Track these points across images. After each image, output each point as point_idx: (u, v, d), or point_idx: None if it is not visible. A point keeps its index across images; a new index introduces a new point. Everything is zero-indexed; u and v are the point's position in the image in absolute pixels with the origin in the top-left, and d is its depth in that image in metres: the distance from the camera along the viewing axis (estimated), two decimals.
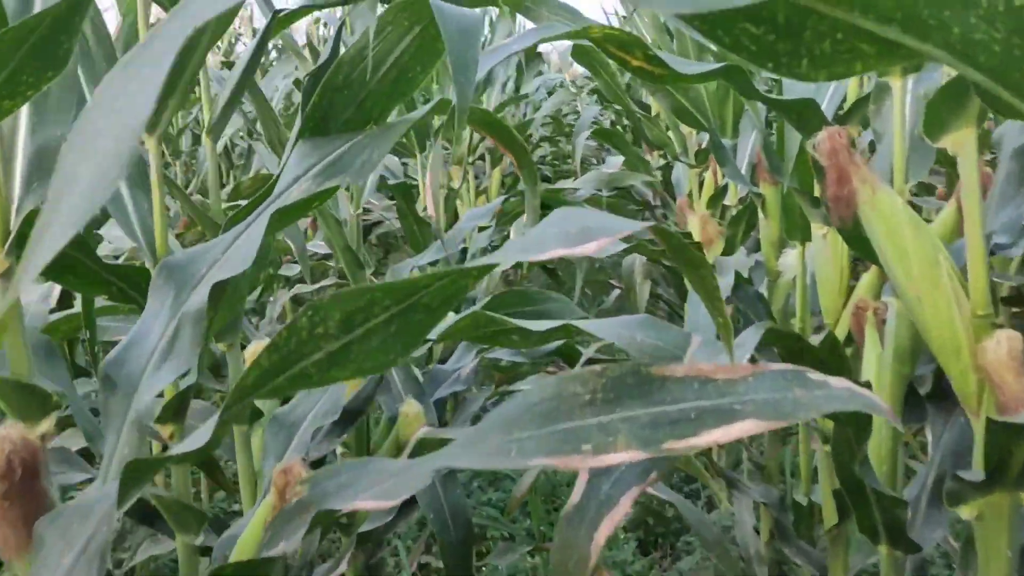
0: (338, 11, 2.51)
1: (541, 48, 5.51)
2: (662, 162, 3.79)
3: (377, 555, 1.75)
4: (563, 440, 0.77)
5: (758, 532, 2.07)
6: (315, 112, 1.04)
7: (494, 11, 4.44)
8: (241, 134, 4.34)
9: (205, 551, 1.25)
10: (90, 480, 1.34)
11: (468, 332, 1.33)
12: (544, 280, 4.27)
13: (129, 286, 1.24)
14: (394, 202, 3.00)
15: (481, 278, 0.85)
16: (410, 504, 1.65)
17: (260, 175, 3.32)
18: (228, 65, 5.68)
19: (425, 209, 2.48)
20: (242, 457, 1.43)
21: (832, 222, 1.18)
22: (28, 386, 0.87)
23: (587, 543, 0.83)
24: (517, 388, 2.07)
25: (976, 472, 0.99)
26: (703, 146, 3.07)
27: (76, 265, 1.20)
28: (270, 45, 5.13)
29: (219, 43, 5.92)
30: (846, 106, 1.61)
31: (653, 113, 3.67)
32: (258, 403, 1.52)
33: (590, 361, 1.46)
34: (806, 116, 1.23)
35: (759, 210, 2.02)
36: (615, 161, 3.83)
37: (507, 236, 3.24)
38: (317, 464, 1.54)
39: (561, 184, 3.88)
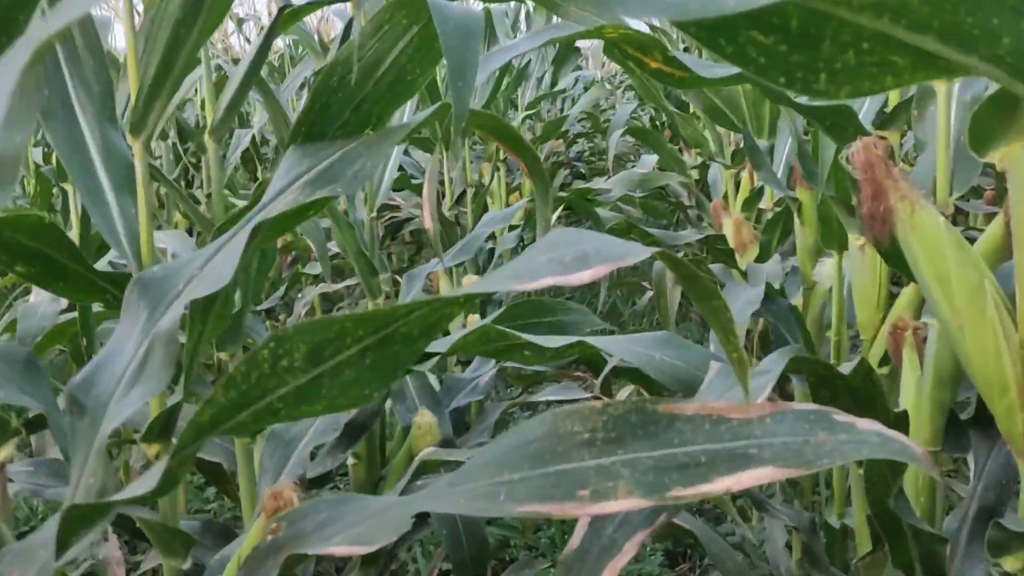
0: (348, 7, 2.45)
1: (579, 43, 5.42)
2: (699, 161, 3.69)
3: (387, 570, 1.69)
4: (556, 484, 0.72)
5: (790, 548, 1.99)
6: (307, 116, 0.98)
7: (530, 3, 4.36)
8: (271, 128, 4.30)
9: (199, 572, 1.20)
10: None
11: (477, 347, 1.27)
12: None
13: (123, 293, 1.19)
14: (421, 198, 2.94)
15: (466, 307, 0.78)
16: (423, 516, 1.59)
17: None
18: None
19: (447, 210, 2.41)
20: (244, 471, 1.37)
21: (867, 239, 1.09)
22: None
23: None
24: (540, 397, 2.00)
25: (1020, 520, 0.90)
26: (740, 145, 2.97)
27: (66, 272, 1.14)
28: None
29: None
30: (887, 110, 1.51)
31: (691, 111, 3.57)
32: None
33: (614, 370, 1.38)
34: (840, 123, 1.14)
35: (795, 216, 1.92)
36: (650, 160, 3.74)
37: (534, 238, 3.17)
38: (320, 480, 1.48)
39: (595, 183, 3.79)
